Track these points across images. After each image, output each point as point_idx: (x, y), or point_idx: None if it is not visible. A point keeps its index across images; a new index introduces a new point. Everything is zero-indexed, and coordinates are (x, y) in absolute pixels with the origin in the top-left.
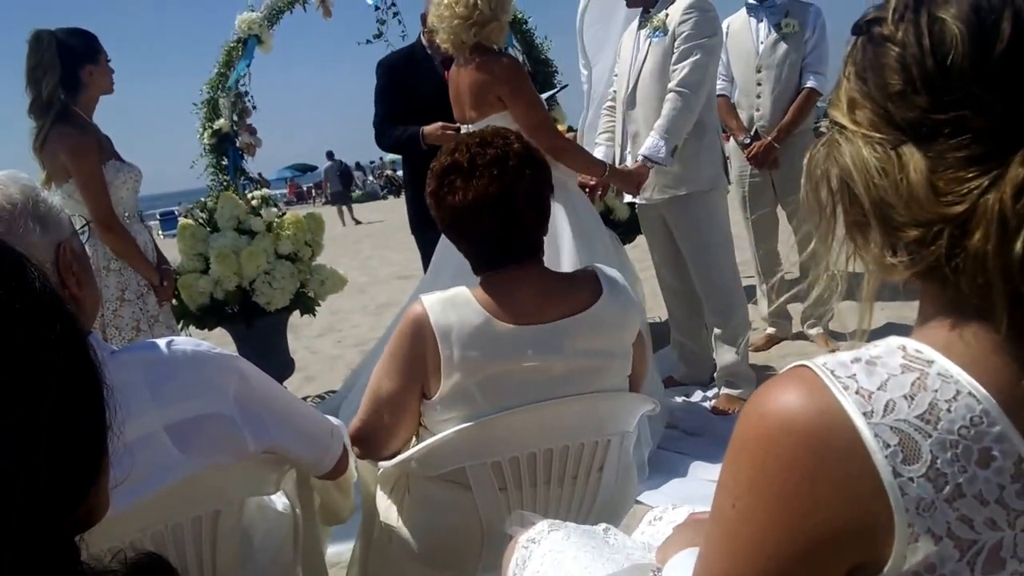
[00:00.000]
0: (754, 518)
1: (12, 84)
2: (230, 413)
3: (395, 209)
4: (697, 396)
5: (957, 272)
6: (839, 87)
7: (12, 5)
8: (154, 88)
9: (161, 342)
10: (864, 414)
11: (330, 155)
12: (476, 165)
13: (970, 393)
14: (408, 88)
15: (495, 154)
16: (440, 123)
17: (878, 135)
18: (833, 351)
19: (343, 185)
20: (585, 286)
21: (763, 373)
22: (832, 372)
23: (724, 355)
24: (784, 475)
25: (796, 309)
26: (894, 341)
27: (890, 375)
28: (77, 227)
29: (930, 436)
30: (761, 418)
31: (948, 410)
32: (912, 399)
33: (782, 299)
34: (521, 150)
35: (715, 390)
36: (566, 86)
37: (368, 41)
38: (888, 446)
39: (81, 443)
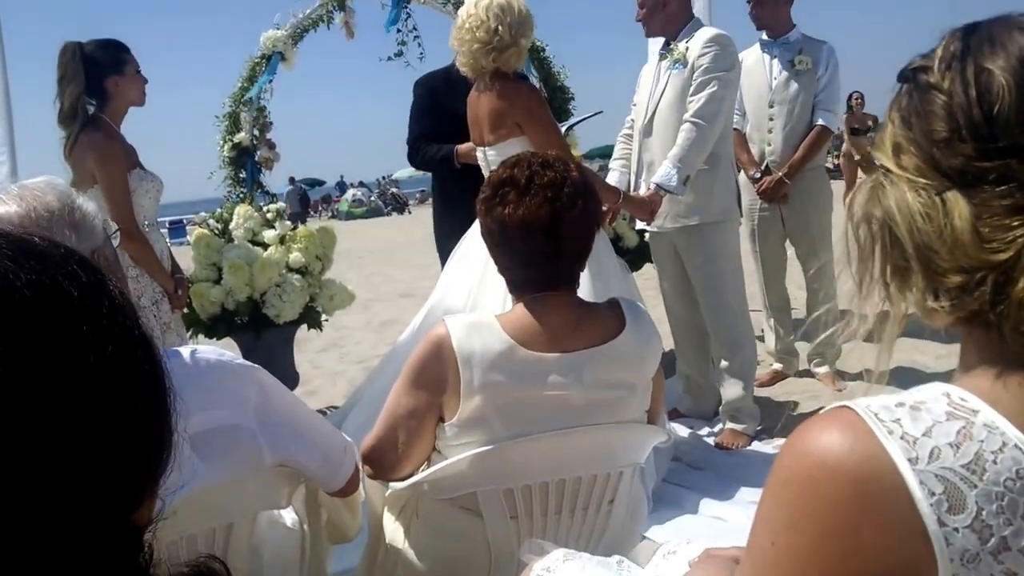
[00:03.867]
0: (794, 557)
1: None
2: (249, 424)
3: (389, 227)
4: (702, 430)
5: (1001, 319)
6: (884, 131)
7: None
8: (162, 98)
9: (184, 351)
10: (909, 460)
11: (291, 180)
12: (532, 184)
13: (1016, 445)
14: (444, 108)
15: (553, 177)
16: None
17: (923, 180)
18: (839, 391)
19: (301, 207)
20: (609, 317)
21: (768, 410)
22: (876, 415)
23: (730, 389)
24: (827, 516)
25: (803, 346)
26: (938, 387)
27: (935, 421)
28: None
29: (976, 487)
30: (805, 456)
31: (994, 461)
32: (958, 448)
33: (792, 335)
34: (579, 180)
35: (719, 424)
36: (600, 112)
37: (389, 58)
38: (933, 494)
39: (153, 442)
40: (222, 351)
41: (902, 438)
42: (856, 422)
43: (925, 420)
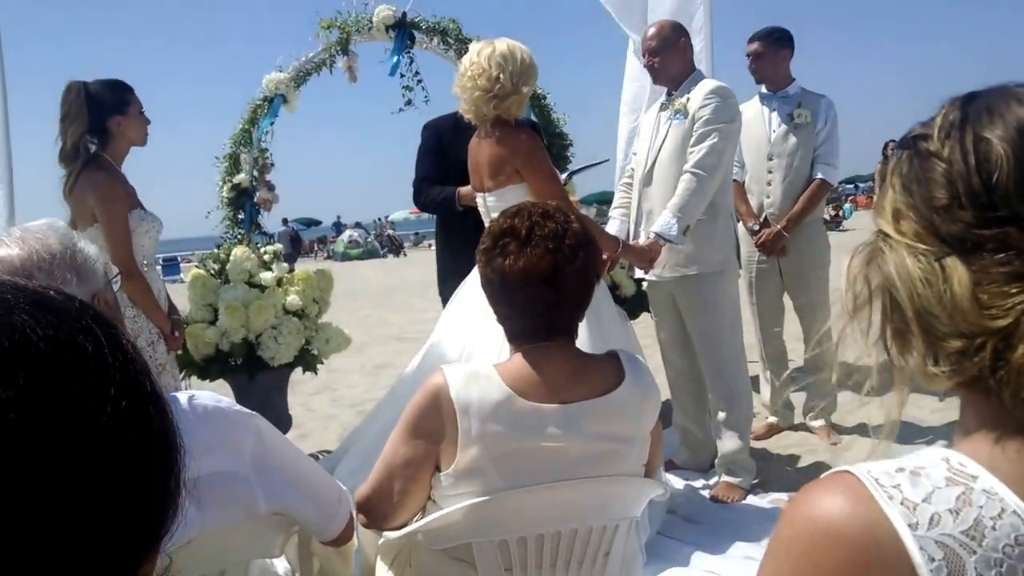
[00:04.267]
0: None
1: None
2: (244, 472)
3: (384, 269)
4: (698, 482)
5: (1001, 385)
6: (883, 197)
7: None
8: (161, 135)
9: (182, 396)
10: (910, 526)
11: (284, 221)
12: (533, 235)
13: (1014, 512)
14: (450, 152)
15: (554, 228)
16: None
17: (923, 246)
18: (834, 444)
19: (292, 248)
20: (608, 369)
21: (763, 463)
22: (877, 480)
23: (727, 442)
24: None
25: (799, 399)
26: (937, 452)
27: (935, 487)
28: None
29: (975, 553)
30: (807, 521)
31: (993, 527)
32: (957, 514)
33: (788, 388)
34: (580, 231)
35: (715, 477)
36: (605, 161)
37: (400, 110)
38: (933, 560)
39: (161, 498)
40: (220, 397)
41: (902, 503)
42: (857, 487)
43: (925, 486)
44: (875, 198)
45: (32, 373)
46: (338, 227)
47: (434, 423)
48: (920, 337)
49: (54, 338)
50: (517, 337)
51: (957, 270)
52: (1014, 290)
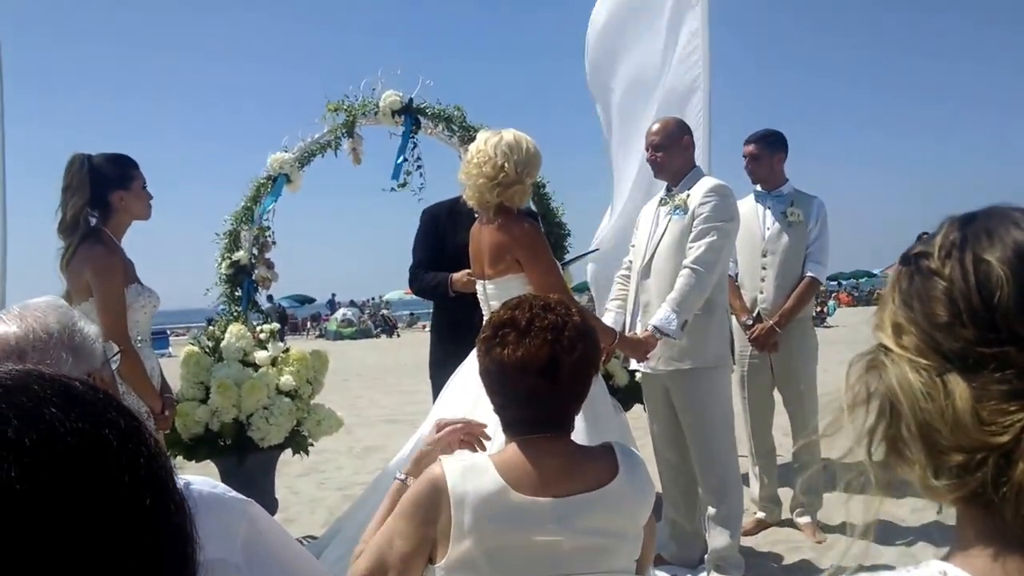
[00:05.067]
0: None
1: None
2: (235, 560)
3: (377, 349)
4: None
5: (1004, 501)
6: (884, 310)
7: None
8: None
9: (178, 482)
10: None
11: (269, 298)
12: (532, 326)
13: None
14: (446, 238)
15: (554, 320)
16: (467, 271)
17: (924, 361)
18: (819, 543)
19: (280, 325)
20: (603, 462)
21: (751, 559)
22: None
23: (717, 538)
24: None
25: (786, 494)
26: (935, 565)
27: None
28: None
29: None
30: None
31: None
32: None
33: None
34: (579, 324)
35: (703, 573)
36: (596, 250)
37: (392, 189)
38: None
39: None
40: (215, 483)
41: None
42: None
43: None
44: (875, 312)
45: (58, 468)
46: (332, 305)
47: (430, 515)
48: (922, 450)
49: (82, 431)
50: (512, 427)
51: (959, 386)
52: (1013, 408)
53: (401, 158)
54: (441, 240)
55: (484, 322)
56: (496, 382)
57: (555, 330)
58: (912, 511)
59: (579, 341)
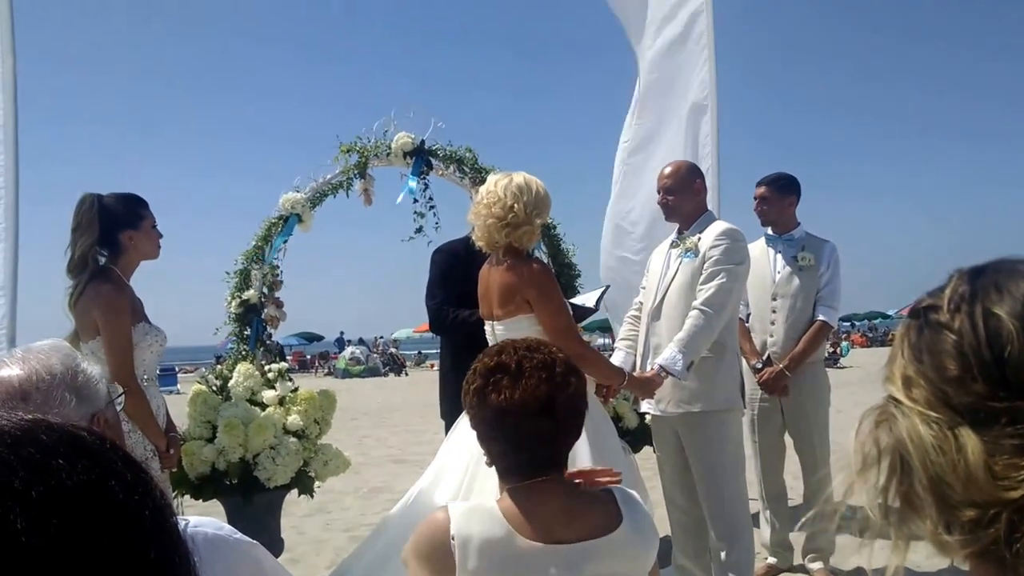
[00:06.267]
0: None
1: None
2: None
3: (385, 388)
4: None
5: (1017, 557)
6: (893, 363)
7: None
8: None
9: (180, 523)
10: None
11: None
12: (524, 368)
13: None
14: (470, 273)
15: (543, 359)
16: None
17: (934, 414)
18: None
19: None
20: (605, 507)
21: None
22: None
23: None
24: None
25: (798, 539)
26: None
27: None
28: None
29: None
30: None
31: None
32: None
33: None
34: (566, 360)
35: None
36: (607, 288)
37: (411, 238)
38: None
39: None
40: (220, 524)
41: None
42: None
43: None
44: (885, 365)
45: (64, 520)
46: (341, 343)
47: (435, 562)
48: (934, 505)
49: (88, 483)
50: (511, 473)
51: (970, 440)
52: None
53: (410, 184)
54: (464, 278)
55: (468, 374)
56: (494, 429)
57: (547, 368)
58: (927, 556)
59: (571, 375)
